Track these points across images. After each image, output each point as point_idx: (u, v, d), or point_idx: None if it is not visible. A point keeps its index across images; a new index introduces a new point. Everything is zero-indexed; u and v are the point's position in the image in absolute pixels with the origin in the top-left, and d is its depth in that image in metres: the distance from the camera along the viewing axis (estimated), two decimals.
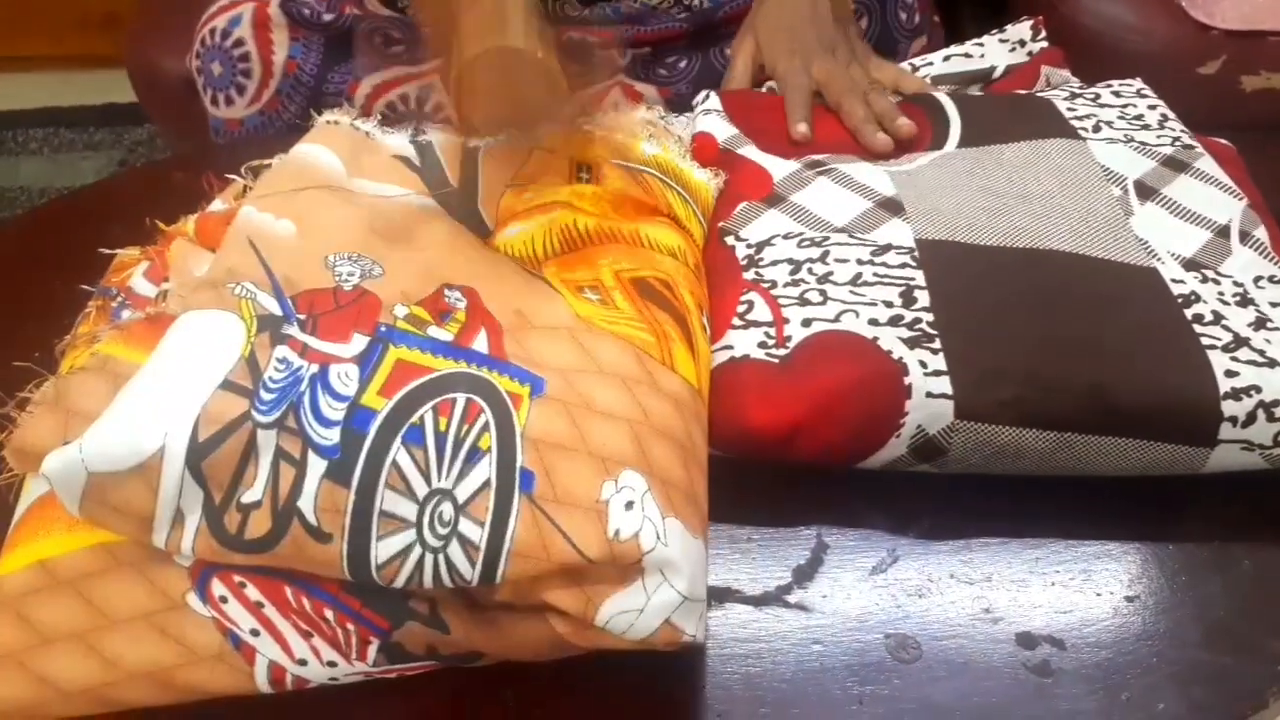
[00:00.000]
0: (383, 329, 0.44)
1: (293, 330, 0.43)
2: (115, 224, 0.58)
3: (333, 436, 0.39)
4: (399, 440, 0.39)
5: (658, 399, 0.43)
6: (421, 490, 0.38)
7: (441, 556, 0.38)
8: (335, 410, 0.40)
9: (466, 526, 0.38)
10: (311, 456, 0.39)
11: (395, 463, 0.39)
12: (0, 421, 0.42)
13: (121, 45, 1.10)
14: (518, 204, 0.54)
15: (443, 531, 0.38)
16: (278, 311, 0.43)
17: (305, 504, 0.38)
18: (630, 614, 0.38)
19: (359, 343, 0.43)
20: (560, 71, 0.51)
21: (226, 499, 0.38)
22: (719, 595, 0.47)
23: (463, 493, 0.38)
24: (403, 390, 0.41)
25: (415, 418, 0.40)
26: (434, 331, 0.45)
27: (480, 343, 0.45)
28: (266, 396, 0.40)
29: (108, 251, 0.57)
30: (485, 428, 0.40)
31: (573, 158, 0.56)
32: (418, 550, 0.38)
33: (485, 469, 0.39)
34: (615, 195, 0.54)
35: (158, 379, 0.40)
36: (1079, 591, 0.46)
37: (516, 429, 0.40)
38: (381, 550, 0.38)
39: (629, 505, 0.39)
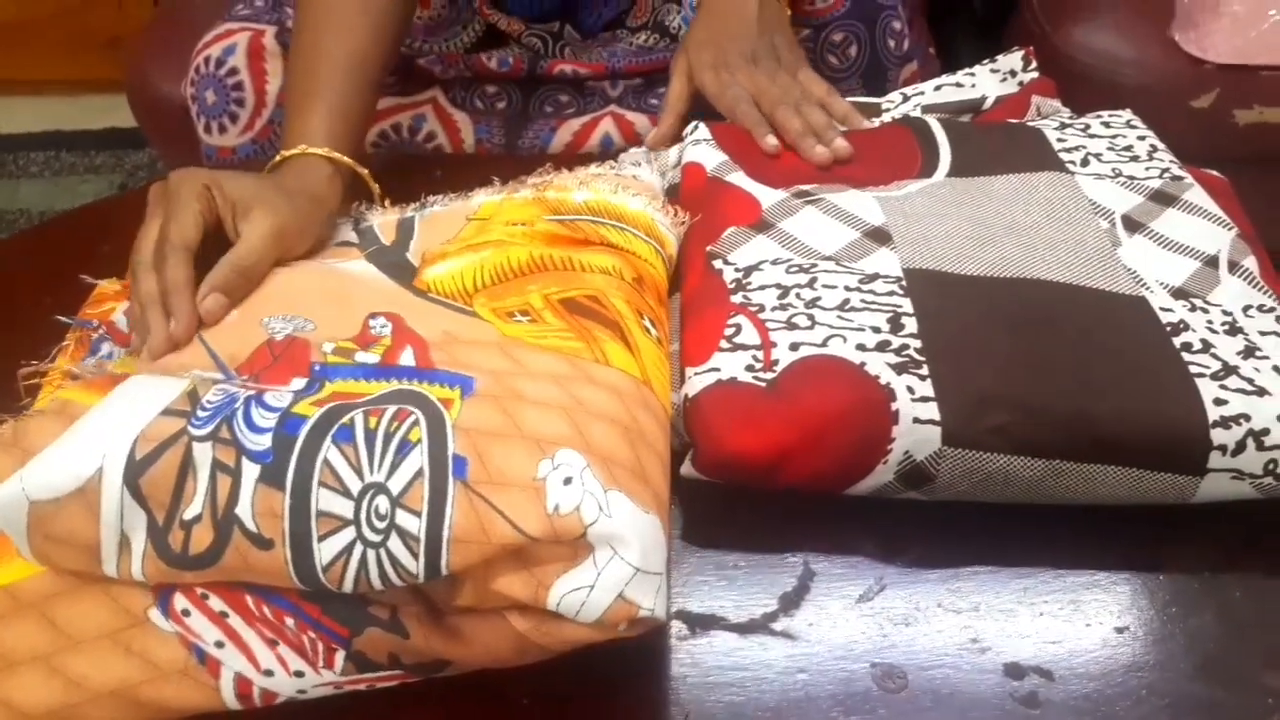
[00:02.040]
0: (317, 368, 0.44)
1: (235, 382, 0.44)
2: (108, 246, 0.58)
3: (264, 442, 0.39)
4: (329, 439, 0.39)
5: (592, 389, 0.43)
6: (355, 486, 0.38)
7: (383, 551, 0.37)
8: (267, 419, 0.40)
9: (403, 518, 0.38)
10: (245, 463, 0.39)
11: (327, 460, 0.39)
12: None
13: (123, 69, 1.11)
14: (448, 247, 0.55)
15: (380, 525, 0.38)
16: (220, 376, 0.44)
17: (243, 511, 0.38)
18: (581, 591, 0.38)
19: (298, 384, 0.44)
20: None
21: (169, 518, 0.39)
22: (704, 623, 0.46)
23: (396, 484, 0.38)
24: (335, 403, 0.41)
25: (345, 419, 0.40)
26: (361, 356, 0.45)
27: (407, 358, 0.45)
28: (202, 414, 0.40)
29: (90, 280, 0.57)
30: (415, 423, 0.40)
31: (507, 221, 0.56)
32: (359, 548, 0.38)
33: (417, 459, 0.39)
34: (547, 234, 0.55)
35: (101, 416, 0.41)
36: (1068, 622, 0.46)
37: (448, 422, 0.40)
38: (324, 551, 0.38)
39: (567, 481, 0.38)
